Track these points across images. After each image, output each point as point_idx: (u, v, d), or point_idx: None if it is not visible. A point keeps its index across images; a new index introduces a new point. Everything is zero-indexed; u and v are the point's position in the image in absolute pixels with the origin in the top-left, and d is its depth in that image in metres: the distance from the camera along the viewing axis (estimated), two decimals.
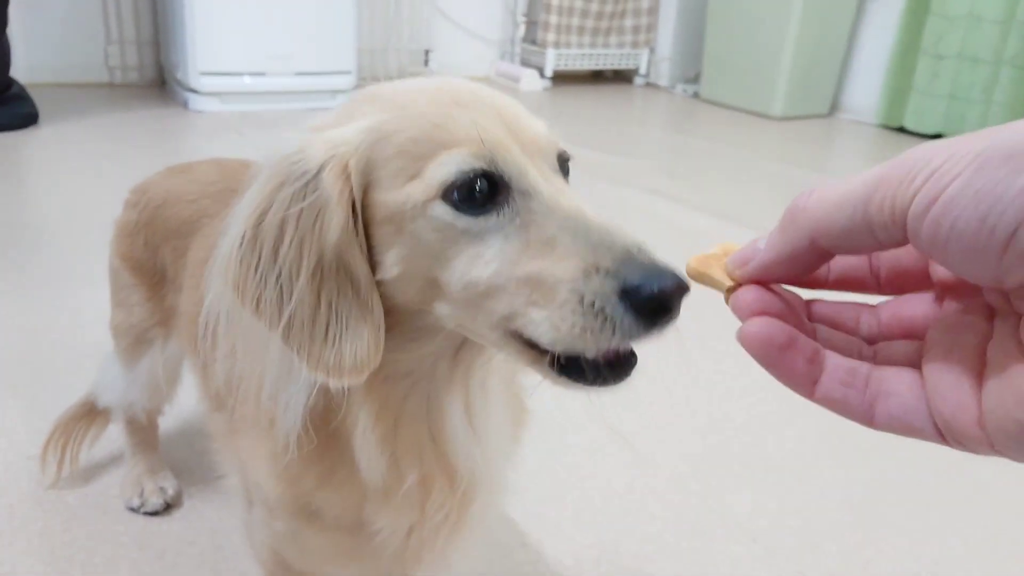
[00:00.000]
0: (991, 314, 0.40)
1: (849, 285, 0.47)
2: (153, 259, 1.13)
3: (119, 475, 1.32)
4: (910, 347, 0.43)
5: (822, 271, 0.46)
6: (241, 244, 0.61)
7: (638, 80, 5.63)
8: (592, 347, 0.55)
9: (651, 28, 5.48)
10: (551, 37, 5.18)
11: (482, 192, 0.58)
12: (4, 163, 3.03)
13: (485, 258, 0.58)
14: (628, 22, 5.43)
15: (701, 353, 1.79)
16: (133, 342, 1.19)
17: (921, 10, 4.29)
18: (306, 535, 0.77)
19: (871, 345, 0.45)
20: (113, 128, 3.59)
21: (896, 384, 0.41)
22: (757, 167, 3.69)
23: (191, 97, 3.93)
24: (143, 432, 1.30)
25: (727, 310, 0.46)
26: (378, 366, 0.65)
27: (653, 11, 5.45)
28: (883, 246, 0.38)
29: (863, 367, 0.42)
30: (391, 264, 0.61)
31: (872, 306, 0.46)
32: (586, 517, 1.31)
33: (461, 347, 0.68)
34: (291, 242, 0.60)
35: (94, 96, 4.15)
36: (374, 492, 0.71)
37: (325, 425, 0.69)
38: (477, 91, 0.65)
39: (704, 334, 1.52)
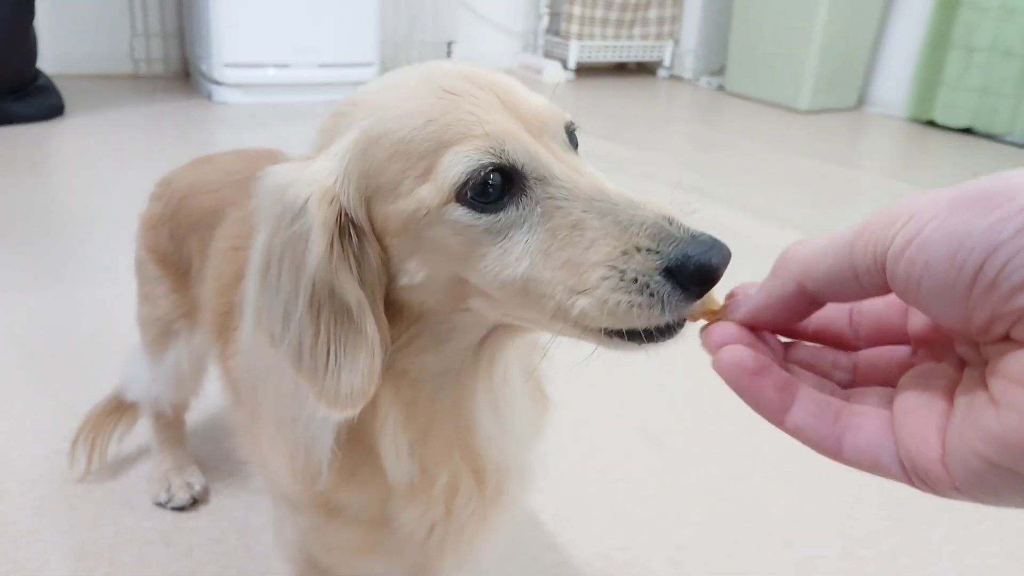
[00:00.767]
0: (961, 365, 0.41)
1: (827, 339, 0.48)
2: (178, 251, 1.12)
3: (146, 471, 1.31)
4: (883, 393, 0.44)
5: (802, 323, 0.47)
6: (255, 278, 0.61)
7: (662, 73, 5.58)
8: (644, 321, 0.54)
9: (675, 20, 5.42)
10: (574, 29, 5.14)
11: (495, 186, 0.56)
12: (30, 154, 3.04)
13: (514, 255, 0.56)
14: (652, 14, 5.37)
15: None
16: (159, 335, 1.18)
17: (953, 2, 4.21)
18: (329, 529, 0.76)
19: (845, 389, 0.46)
20: (138, 120, 3.60)
21: (865, 420, 0.42)
22: (783, 161, 3.64)
23: (215, 89, 3.93)
24: (170, 427, 1.29)
25: None
26: (406, 369, 0.64)
27: (678, 3, 5.39)
28: (866, 292, 0.40)
29: (835, 402, 0.44)
30: (415, 271, 0.60)
31: (848, 353, 0.48)
32: (618, 520, 1.29)
33: (483, 340, 0.66)
34: (285, 273, 0.59)
35: (119, 88, 4.16)
36: (400, 490, 0.70)
37: (346, 432, 0.68)
38: (467, 75, 0.61)
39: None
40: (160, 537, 1.19)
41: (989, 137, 4.23)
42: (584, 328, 0.56)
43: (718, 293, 0.53)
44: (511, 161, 0.56)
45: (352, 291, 0.58)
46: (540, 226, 0.56)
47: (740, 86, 4.96)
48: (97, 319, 1.79)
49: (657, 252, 0.52)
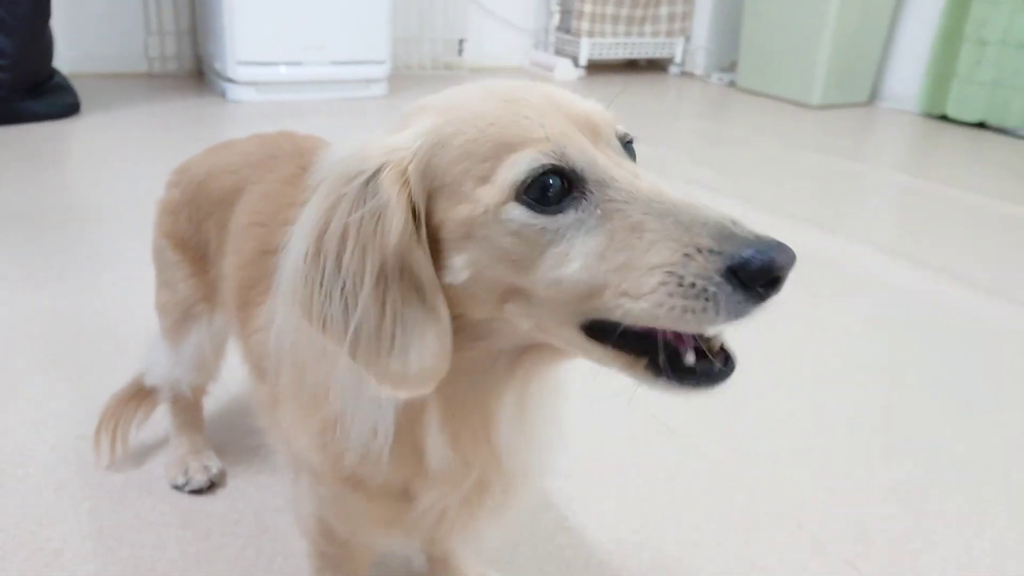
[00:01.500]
0: None
1: None
2: (197, 234, 1.14)
3: (163, 457, 1.33)
4: None
5: None
6: (304, 261, 0.60)
7: (673, 69, 5.58)
8: (695, 326, 0.54)
9: (686, 17, 5.42)
10: (585, 26, 5.15)
11: (555, 189, 0.57)
12: (48, 151, 3.08)
13: (570, 256, 0.56)
14: (663, 10, 5.37)
15: (746, 343, 1.76)
16: (179, 319, 1.20)
17: None
18: (351, 500, 0.78)
19: None
20: (152, 118, 3.63)
21: None
22: (795, 156, 3.63)
23: (229, 87, 3.96)
24: (188, 412, 1.31)
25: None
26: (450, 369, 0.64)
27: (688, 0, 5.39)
28: None
29: None
30: (459, 268, 0.60)
31: None
32: (629, 504, 1.30)
33: (523, 351, 0.67)
34: (353, 250, 0.58)
35: (134, 86, 4.20)
36: (430, 474, 0.71)
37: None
38: (524, 86, 0.64)
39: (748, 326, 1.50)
40: (179, 519, 1.21)
41: (1002, 131, 4.21)
42: (622, 354, 0.57)
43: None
44: (571, 164, 0.57)
45: (426, 271, 0.59)
46: (598, 228, 0.56)
47: (751, 82, 4.95)
48: (113, 310, 1.81)
49: (719, 252, 0.52)
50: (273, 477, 1.30)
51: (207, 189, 1.10)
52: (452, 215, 0.59)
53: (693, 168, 3.31)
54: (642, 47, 5.42)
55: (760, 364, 1.72)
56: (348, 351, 0.59)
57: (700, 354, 0.59)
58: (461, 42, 5.15)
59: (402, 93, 4.40)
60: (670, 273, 0.53)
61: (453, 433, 0.69)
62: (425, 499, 0.74)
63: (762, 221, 2.67)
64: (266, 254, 0.90)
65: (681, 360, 0.59)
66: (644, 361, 0.58)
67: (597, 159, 0.58)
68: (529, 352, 0.66)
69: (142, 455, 1.35)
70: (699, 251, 0.52)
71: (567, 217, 0.57)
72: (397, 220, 0.58)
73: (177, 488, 1.26)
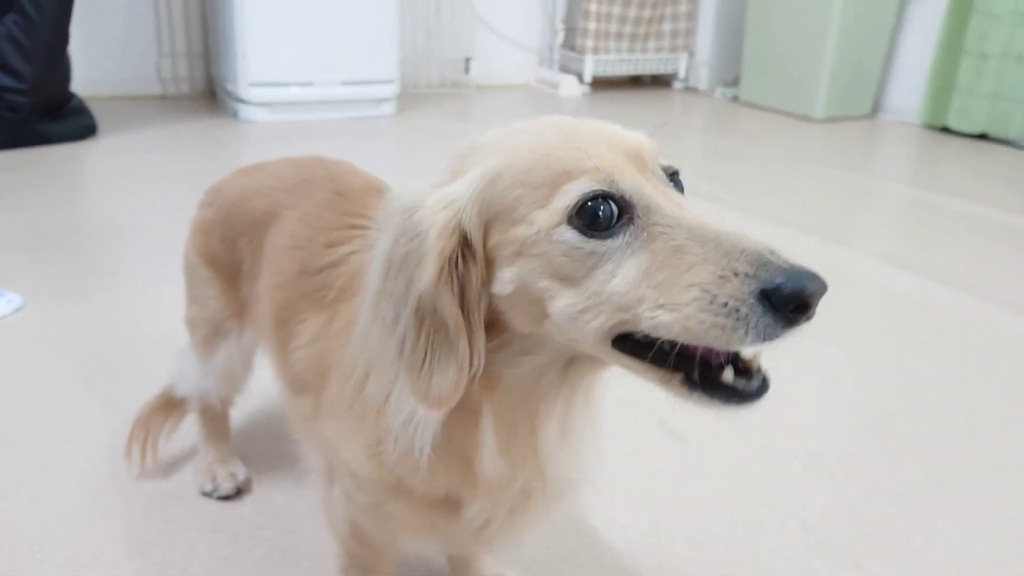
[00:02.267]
0: None
1: None
2: (229, 253, 1.19)
3: (191, 464, 1.39)
4: None
5: None
6: (376, 276, 0.68)
7: (677, 84, 5.65)
8: (723, 343, 0.57)
9: (690, 33, 5.50)
10: (590, 43, 5.22)
11: (606, 214, 0.61)
12: (66, 172, 3.15)
13: (615, 274, 0.61)
14: (667, 27, 5.45)
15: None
16: (209, 334, 1.25)
17: (965, 8, 4.26)
18: (391, 508, 0.82)
19: None
20: (167, 139, 3.71)
21: None
22: (799, 169, 3.69)
23: (241, 107, 4.04)
24: (216, 422, 1.36)
25: None
26: (499, 376, 0.70)
27: (692, 16, 5.46)
28: None
29: None
30: (507, 281, 0.65)
31: None
32: (639, 506, 1.35)
33: (570, 365, 0.71)
34: (398, 280, 0.66)
35: (147, 108, 4.28)
36: (481, 484, 0.76)
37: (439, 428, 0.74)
38: (576, 120, 0.69)
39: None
40: (208, 524, 1.26)
41: (1004, 142, 4.26)
42: (658, 368, 0.61)
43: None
44: (620, 191, 0.62)
45: (451, 314, 0.65)
46: (643, 249, 0.61)
47: (755, 96, 5.02)
48: (137, 325, 1.88)
49: (754, 276, 0.56)
50: (297, 483, 1.35)
51: (240, 210, 1.15)
52: (506, 236, 0.65)
53: (699, 182, 3.37)
54: (646, 63, 5.49)
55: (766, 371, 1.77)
56: (395, 359, 0.68)
57: (737, 372, 0.63)
58: (468, 61, 5.23)
59: (411, 111, 4.48)
60: (705, 291, 0.57)
61: (504, 444, 0.73)
62: (472, 508, 0.78)
63: (767, 232, 2.72)
64: (305, 275, 0.96)
65: (716, 377, 0.63)
66: (680, 376, 0.62)
67: (644, 187, 0.63)
68: (574, 364, 0.71)
69: (172, 464, 1.40)
70: (735, 274, 0.56)
71: (616, 241, 0.62)
72: (430, 271, 0.64)
73: (206, 495, 1.31)
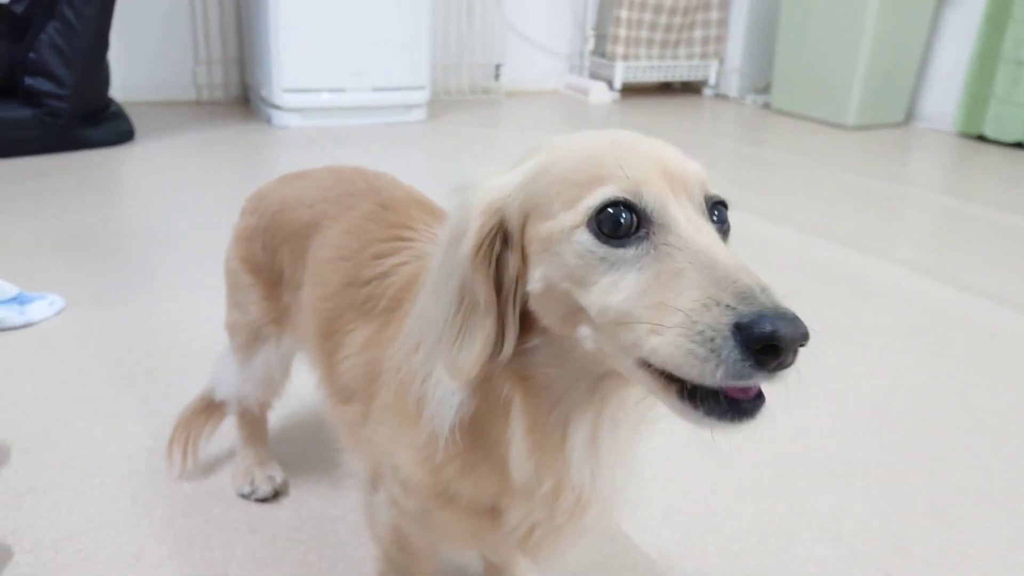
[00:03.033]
0: None
1: None
2: (271, 261, 1.21)
3: (229, 467, 1.41)
4: None
5: None
6: (435, 255, 0.73)
7: (707, 91, 5.64)
8: (696, 374, 0.56)
9: (720, 39, 5.48)
10: (620, 50, 5.23)
11: (626, 223, 0.62)
12: (104, 177, 3.22)
13: (619, 286, 0.61)
14: (697, 34, 5.44)
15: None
16: (249, 339, 1.28)
17: (1002, 16, 4.21)
18: (438, 515, 0.84)
19: None
20: (202, 144, 3.77)
21: None
22: (831, 177, 3.67)
23: (274, 113, 4.10)
24: (254, 425, 1.38)
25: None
26: (532, 376, 0.72)
27: (723, 23, 5.45)
28: None
29: None
30: (537, 279, 0.67)
31: None
32: (672, 515, 1.35)
33: (603, 377, 0.71)
34: (448, 256, 0.70)
35: (183, 113, 4.35)
36: (515, 489, 0.77)
37: (474, 425, 0.76)
38: (636, 135, 0.70)
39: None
40: (246, 525, 1.28)
41: None
42: (658, 377, 0.60)
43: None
44: (642, 204, 0.63)
45: (483, 291, 0.68)
46: (648, 268, 0.61)
47: (786, 103, 4.99)
48: (173, 329, 1.91)
49: (734, 309, 0.55)
50: (333, 488, 1.37)
51: (283, 219, 1.17)
52: (537, 231, 0.67)
53: (729, 189, 3.32)
54: (676, 70, 5.49)
55: (796, 381, 1.76)
56: (435, 331, 0.72)
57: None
58: (498, 67, 5.26)
59: (441, 118, 4.51)
60: (687, 317, 0.57)
61: (533, 448, 0.74)
62: (512, 516, 0.79)
63: (799, 242, 2.71)
64: (352, 286, 0.98)
65: (706, 393, 0.60)
66: (676, 387, 0.61)
67: (669, 205, 0.63)
68: (606, 380, 0.71)
69: (210, 465, 1.43)
70: (717, 304, 0.56)
71: (627, 252, 0.62)
72: (466, 246, 0.68)
73: (244, 496, 1.34)
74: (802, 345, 0.55)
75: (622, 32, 5.19)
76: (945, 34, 4.66)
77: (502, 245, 0.69)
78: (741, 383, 0.56)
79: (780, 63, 4.97)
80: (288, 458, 1.43)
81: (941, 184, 3.75)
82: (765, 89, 5.34)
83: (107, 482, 1.37)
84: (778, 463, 1.50)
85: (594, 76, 5.46)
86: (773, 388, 0.58)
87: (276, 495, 1.34)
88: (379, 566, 1.04)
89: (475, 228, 0.68)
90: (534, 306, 0.69)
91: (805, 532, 1.32)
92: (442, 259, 0.72)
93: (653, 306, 0.59)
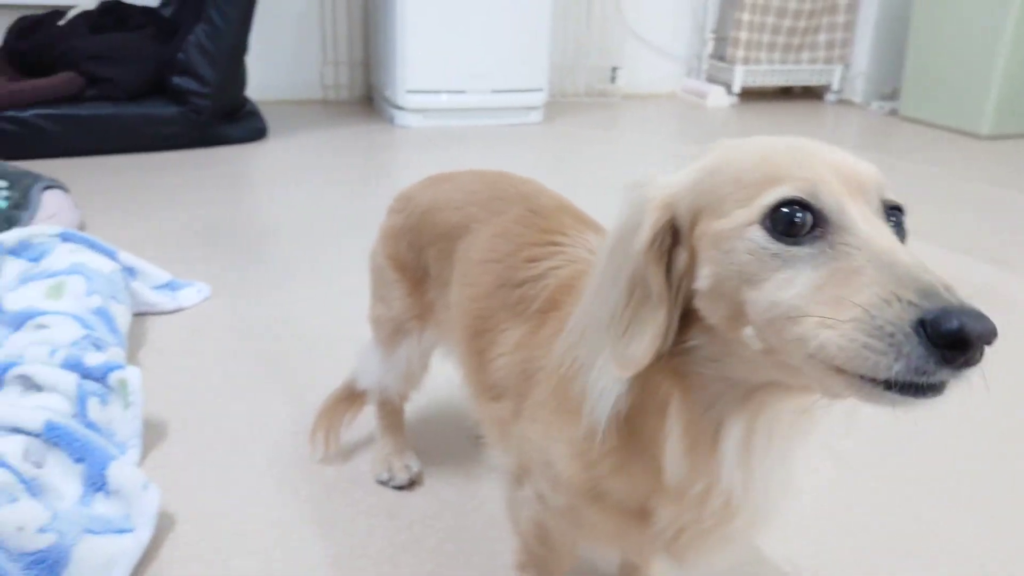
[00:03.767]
0: None
1: None
2: (417, 259, 1.26)
3: (366, 453, 1.48)
4: None
5: None
6: (603, 251, 0.76)
7: (830, 97, 5.47)
8: (870, 368, 0.56)
9: (846, 43, 5.31)
10: (740, 54, 5.14)
11: (801, 222, 0.63)
12: (240, 172, 3.39)
13: (792, 283, 0.62)
14: (822, 37, 5.29)
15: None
16: (392, 332, 1.33)
17: None
18: (586, 512, 0.86)
19: None
20: (328, 142, 3.92)
21: None
22: (963, 189, 3.50)
23: (396, 113, 4.22)
24: (393, 415, 1.44)
25: None
26: (688, 375, 0.73)
27: (849, 25, 5.28)
28: None
29: None
30: (704, 276, 0.68)
31: None
32: (804, 531, 1.33)
33: (760, 385, 0.71)
34: (619, 250, 0.73)
35: (310, 112, 4.53)
36: (667, 489, 0.78)
37: (629, 422, 0.78)
38: (811, 141, 0.71)
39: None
40: (384, 511, 1.34)
41: None
42: (823, 369, 0.60)
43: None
44: (820, 204, 0.63)
45: (656, 284, 0.71)
46: (824, 266, 0.61)
47: (915, 110, 4.80)
48: (310, 318, 2.00)
49: (917, 305, 0.55)
50: (466, 479, 1.42)
51: (430, 220, 1.22)
52: (708, 228, 0.68)
53: None
54: (798, 74, 5.35)
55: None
56: (604, 324, 0.74)
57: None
58: (615, 70, 5.25)
59: (557, 119, 4.54)
60: (865, 312, 0.56)
61: (687, 447, 0.75)
62: (661, 516, 0.81)
63: (930, 254, 2.60)
64: (504, 288, 1.01)
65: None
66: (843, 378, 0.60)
67: (847, 207, 0.64)
68: (763, 389, 0.72)
69: (350, 451, 1.49)
70: (899, 300, 0.55)
71: (802, 250, 0.63)
72: (642, 238, 0.71)
73: (382, 483, 1.39)
74: (989, 343, 0.54)
75: (743, 35, 5.10)
76: None
77: (671, 242, 0.72)
78: (924, 379, 0.56)
79: (910, 68, 4.77)
80: (423, 448, 1.48)
81: None
82: (892, 95, 5.14)
83: (256, 462, 1.45)
84: (917, 485, 1.46)
85: (712, 80, 5.38)
86: (956, 386, 0.58)
87: (412, 484, 1.40)
88: (519, 559, 1.07)
89: (650, 221, 0.70)
90: (700, 304, 0.70)
91: (947, 557, 1.28)
92: (611, 253, 0.74)
93: (828, 301, 0.59)
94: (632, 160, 3.87)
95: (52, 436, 1.28)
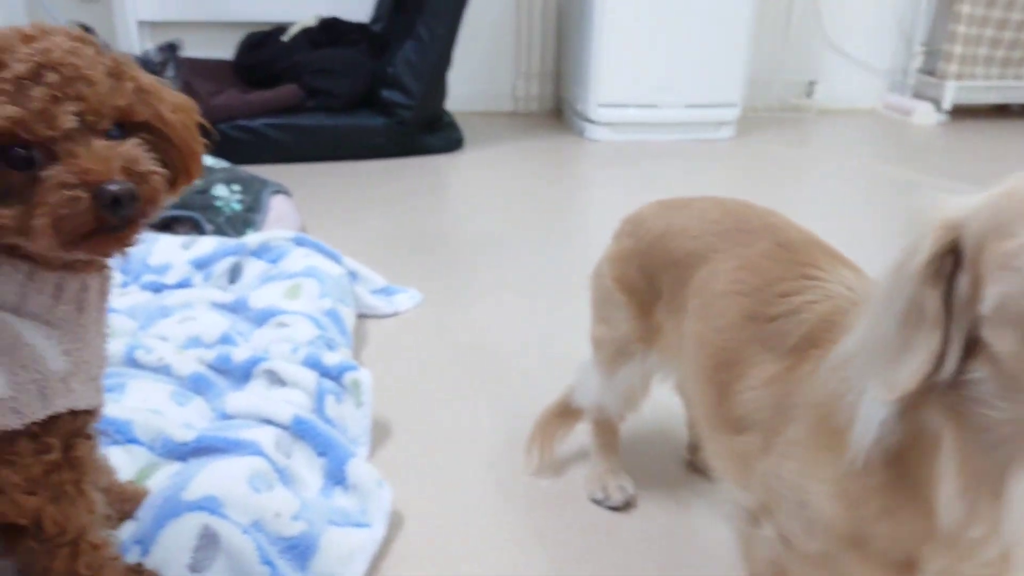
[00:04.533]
0: None
1: None
2: (647, 284, 1.27)
3: (578, 469, 1.50)
4: None
5: None
6: (883, 275, 0.75)
7: None
8: None
9: None
10: (953, 68, 4.80)
11: None
12: (439, 181, 3.54)
13: None
14: None
15: None
16: (614, 354, 1.35)
17: None
18: (841, 559, 0.84)
19: None
20: (520, 154, 4.01)
21: None
22: None
23: (587, 126, 4.26)
24: (608, 435, 1.46)
25: None
26: (967, 412, 0.70)
27: None
28: None
29: None
30: (991, 297, 0.66)
31: None
32: None
33: None
34: (899, 272, 0.72)
35: (502, 124, 4.66)
36: (939, 536, 0.75)
37: (899, 460, 0.75)
38: None
39: None
40: (599, 530, 1.36)
41: None
42: None
43: None
44: None
45: (932, 305, 0.69)
46: None
47: None
48: (515, 330, 2.06)
49: None
50: (679, 507, 1.41)
51: (664, 246, 1.22)
52: (997, 248, 0.66)
53: None
54: (1019, 91, 4.94)
55: None
56: (872, 356, 0.73)
57: None
58: (811, 84, 5.05)
59: (748, 135, 4.43)
60: None
61: (964, 489, 0.72)
62: (929, 568, 0.77)
63: None
64: (755, 321, 1.00)
65: None
66: None
67: None
68: None
69: (561, 466, 1.53)
70: None
71: None
72: (921, 259, 0.69)
73: (596, 502, 1.41)
74: None
75: (957, 49, 4.76)
76: None
77: (954, 266, 0.69)
78: None
79: None
80: (634, 470, 1.49)
81: None
82: None
83: (474, 469, 1.51)
84: None
85: (918, 95, 5.07)
86: None
87: (627, 506, 1.41)
88: None
89: (930, 241, 0.69)
90: (985, 331, 0.67)
91: None
92: (889, 277, 0.73)
93: None
94: (829, 180, 3.71)
95: (299, 430, 1.40)
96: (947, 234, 0.69)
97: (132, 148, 0.86)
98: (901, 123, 4.92)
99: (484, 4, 4.55)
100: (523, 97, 4.90)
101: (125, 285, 2.00)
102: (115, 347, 1.55)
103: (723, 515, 1.23)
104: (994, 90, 4.91)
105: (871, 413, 0.76)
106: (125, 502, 1.19)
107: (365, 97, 3.74)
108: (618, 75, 4.12)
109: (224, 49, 4.11)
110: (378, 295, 2.16)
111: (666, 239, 1.24)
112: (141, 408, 1.38)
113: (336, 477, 1.36)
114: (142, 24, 4.18)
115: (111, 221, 0.82)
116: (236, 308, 1.84)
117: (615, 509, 1.40)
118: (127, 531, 1.16)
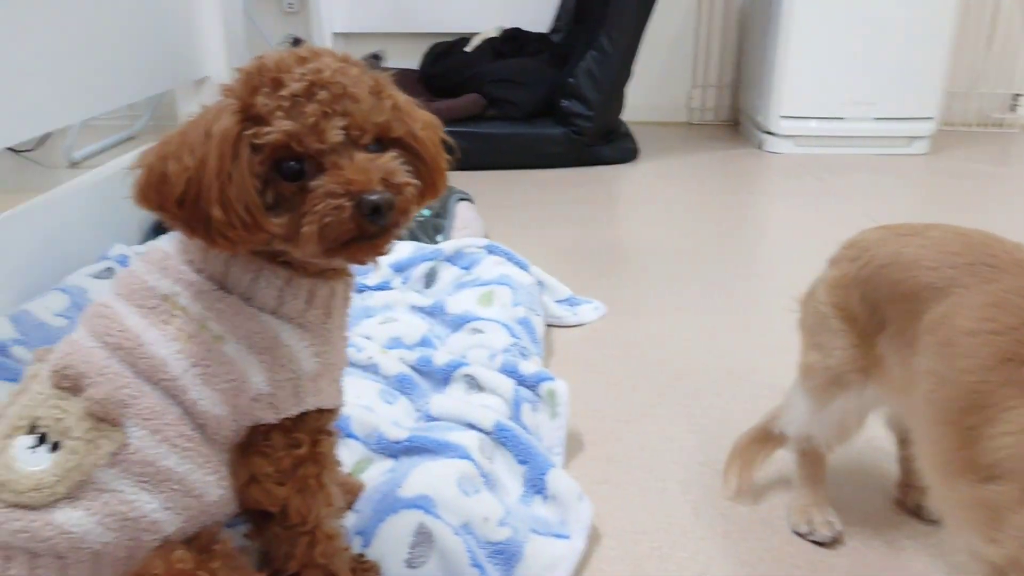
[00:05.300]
0: None
1: None
2: (868, 313, 1.21)
3: (777, 498, 1.45)
4: None
5: None
6: None
7: None
8: None
9: None
10: None
11: None
12: (615, 192, 3.55)
13: None
14: None
15: None
16: (827, 383, 1.29)
17: None
18: None
19: None
20: (697, 165, 3.95)
21: None
22: None
23: (767, 139, 4.13)
24: (815, 466, 1.40)
25: None
26: None
27: None
28: None
29: None
30: None
31: None
32: None
33: None
34: None
35: (676, 135, 4.60)
36: None
37: None
38: None
39: None
40: (805, 565, 1.31)
41: None
42: None
43: None
44: None
45: None
46: None
47: None
48: (702, 346, 2.02)
49: None
50: (889, 548, 1.34)
51: (892, 276, 1.16)
52: None
53: None
54: None
55: None
56: None
57: None
58: (1016, 97, 4.68)
59: (943, 151, 4.15)
60: None
61: None
62: None
63: None
64: (1009, 363, 0.93)
65: None
66: None
67: None
68: None
69: (758, 493, 1.48)
70: None
71: None
72: None
73: (799, 535, 1.36)
74: None
75: None
76: None
77: None
78: None
79: None
80: (839, 504, 1.42)
81: None
82: None
83: (669, 487, 1.49)
84: None
85: None
86: None
87: (834, 542, 1.35)
88: None
89: None
90: None
91: None
92: None
93: None
94: None
95: (500, 436, 1.43)
96: None
97: (390, 161, 0.91)
98: None
99: (664, 15, 4.50)
100: (699, 108, 4.83)
101: None
102: None
103: (952, 565, 1.15)
104: None
105: None
106: (346, 494, 1.26)
107: (545, 107, 3.79)
108: (802, 86, 3.98)
109: (411, 59, 4.30)
110: (562, 305, 2.18)
111: (895, 269, 1.18)
112: (356, 404, 1.46)
113: (536, 486, 1.38)
114: (336, 35, 4.44)
115: (370, 229, 0.87)
116: (433, 312, 1.91)
117: (820, 544, 1.35)
118: (348, 522, 1.23)
